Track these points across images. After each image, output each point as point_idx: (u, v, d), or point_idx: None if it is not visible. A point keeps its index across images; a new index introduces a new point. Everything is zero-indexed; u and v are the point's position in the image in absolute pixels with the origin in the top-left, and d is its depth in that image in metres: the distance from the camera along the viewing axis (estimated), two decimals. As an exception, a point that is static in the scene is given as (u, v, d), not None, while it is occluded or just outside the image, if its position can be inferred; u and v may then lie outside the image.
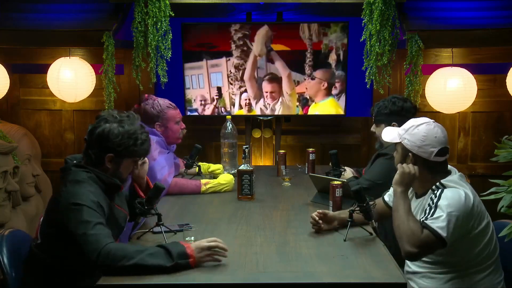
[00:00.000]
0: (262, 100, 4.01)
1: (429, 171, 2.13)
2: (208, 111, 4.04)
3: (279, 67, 3.97)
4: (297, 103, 4.02)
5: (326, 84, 3.97)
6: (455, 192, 2.04)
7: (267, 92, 4.00)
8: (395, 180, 2.14)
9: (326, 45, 3.93)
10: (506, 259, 2.18)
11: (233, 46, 3.94)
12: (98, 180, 2.05)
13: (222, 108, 4.03)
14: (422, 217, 2.03)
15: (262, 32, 3.92)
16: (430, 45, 3.64)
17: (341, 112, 4.01)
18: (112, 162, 2.08)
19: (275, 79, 3.99)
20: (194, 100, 4.03)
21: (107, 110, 2.12)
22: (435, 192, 2.08)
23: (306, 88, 3.99)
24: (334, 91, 3.99)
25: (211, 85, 4.01)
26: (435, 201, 2.04)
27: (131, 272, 1.80)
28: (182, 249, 1.87)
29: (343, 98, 3.99)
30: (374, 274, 1.86)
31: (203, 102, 4.03)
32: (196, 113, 4.05)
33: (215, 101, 4.02)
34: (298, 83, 3.99)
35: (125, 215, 2.18)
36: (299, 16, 4.25)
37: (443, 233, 1.95)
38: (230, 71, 3.98)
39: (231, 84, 4.00)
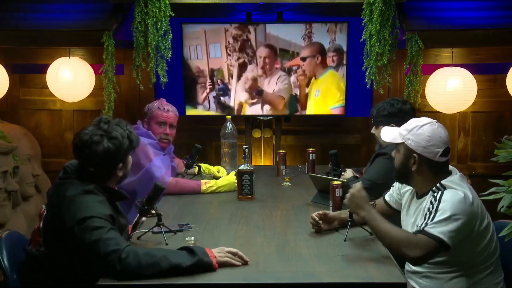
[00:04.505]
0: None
1: (432, 171, 2.12)
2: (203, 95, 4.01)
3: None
4: (297, 81, 3.98)
5: (320, 57, 3.94)
6: (454, 194, 2.03)
7: (261, 56, 3.94)
8: (350, 209, 2.13)
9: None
10: (506, 259, 2.18)
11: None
12: (104, 191, 2.04)
13: (219, 81, 4.00)
14: (423, 222, 2.02)
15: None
16: (430, 45, 3.65)
17: (343, 87, 3.95)
18: (121, 169, 2.12)
19: (270, 47, 3.94)
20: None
21: (84, 130, 2.08)
22: (435, 194, 2.07)
23: (303, 65, 3.94)
24: (332, 64, 3.95)
25: (209, 56, 3.96)
26: (435, 205, 2.02)
27: (154, 272, 1.79)
28: (203, 249, 1.90)
29: (343, 69, 3.93)
30: (374, 274, 1.85)
31: (199, 74, 3.99)
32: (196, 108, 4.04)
33: (214, 73, 3.98)
34: (297, 54, 3.94)
35: (126, 221, 2.19)
36: (299, 16, 4.25)
37: (445, 238, 1.94)
38: (228, 41, 3.95)
39: (229, 55, 3.96)
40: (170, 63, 3.72)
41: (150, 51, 3.62)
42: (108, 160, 2.05)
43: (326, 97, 4.01)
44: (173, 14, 3.62)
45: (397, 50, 3.64)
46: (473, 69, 3.80)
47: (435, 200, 2.04)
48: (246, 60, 3.96)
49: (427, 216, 2.02)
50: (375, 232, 2.06)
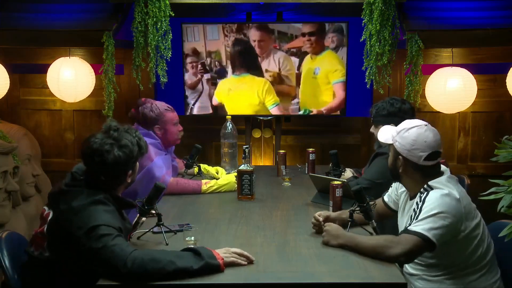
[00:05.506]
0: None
1: (420, 173, 2.13)
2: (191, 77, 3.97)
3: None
4: (294, 57, 3.95)
5: (319, 36, 3.90)
6: (439, 193, 2.04)
7: (255, 40, 3.92)
8: (331, 243, 2.11)
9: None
10: (506, 259, 2.18)
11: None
12: (114, 200, 2.05)
13: (217, 62, 3.99)
14: (408, 223, 2.04)
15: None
16: (430, 45, 3.64)
17: (344, 67, 3.92)
18: (131, 175, 2.14)
19: (264, 28, 3.92)
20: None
21: (93, 138, 2.05)
22: (421, 195, 2.08)
23: (305, 41, 3.92)
24: (331, 45, 3.92)
25: (206, 37, 3.95)
26: (420, 205, 2.04)
27: (160, 276, 1.79)
28: (210, 252, 1.89)
29: (343, 51, 3.90)
30: (374, 274, 1.86)
31: (194, 65, 3.97)
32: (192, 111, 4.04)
33: (211, 55, 3.95)
34: (296, 36, 3.92)
35: (130, 225, 2.19)
36: (299, 16, 4.25)
37: (427, 234, 1.95)
38: (225, 22, 3.94)
39: (227, 36, 3.95)
40: (170, 63, 3.72)
41: (150, 51, 3.62)
42: (119, 169, 2.05)
43: (326, 74, 3.96)
44: (173, 14, 3.62)
45: (397, 50, 3.64)
46: (473, 69, 3.80)
47: (420, 201, 2.06)
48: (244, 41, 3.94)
49: (412, 217, 2.04)
50: (359, 249, 2.03)
